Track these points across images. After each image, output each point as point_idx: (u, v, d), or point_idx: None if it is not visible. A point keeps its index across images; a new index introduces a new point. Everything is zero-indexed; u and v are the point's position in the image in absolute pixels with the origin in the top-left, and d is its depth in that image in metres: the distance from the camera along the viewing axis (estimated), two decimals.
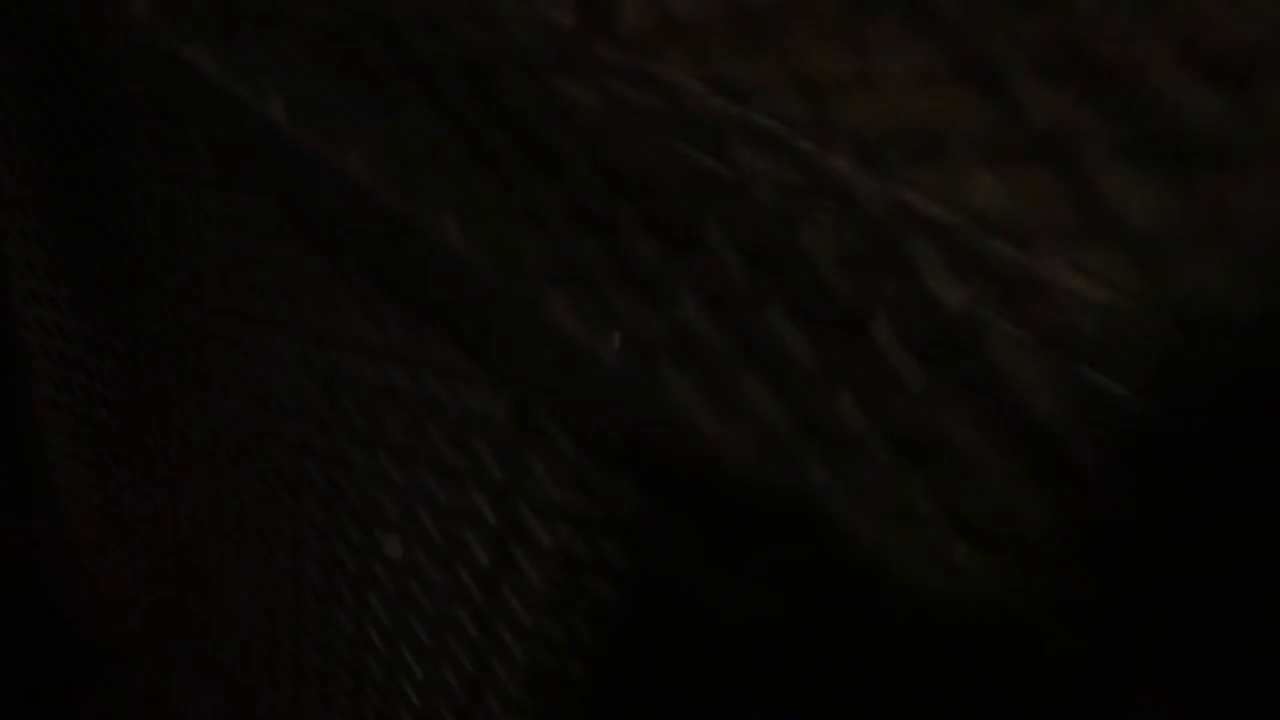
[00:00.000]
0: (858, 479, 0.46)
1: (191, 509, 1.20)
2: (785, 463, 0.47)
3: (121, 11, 0.82)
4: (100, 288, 1.15)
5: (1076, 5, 0.36)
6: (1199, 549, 0.37)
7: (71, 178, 1.10)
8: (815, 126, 0.46)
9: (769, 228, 0.47)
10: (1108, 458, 0.39)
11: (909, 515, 0.44)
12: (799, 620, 0.48)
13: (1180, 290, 0.36)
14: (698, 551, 0.54)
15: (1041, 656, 0.41)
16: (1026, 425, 0.41)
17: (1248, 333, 0.36)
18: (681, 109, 0.49)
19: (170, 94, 0.80)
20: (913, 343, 0.44)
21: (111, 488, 1.39)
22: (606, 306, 0.54)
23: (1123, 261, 0.38)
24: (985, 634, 0.42)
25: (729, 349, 0.50)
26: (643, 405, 0.52)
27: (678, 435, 0.50)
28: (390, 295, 0.67)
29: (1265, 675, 0.36)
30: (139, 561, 1.45)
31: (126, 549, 1.47)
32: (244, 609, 1.21)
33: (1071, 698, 0.40)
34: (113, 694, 1.66)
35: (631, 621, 0.63)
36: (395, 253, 0.64)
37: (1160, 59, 0.35)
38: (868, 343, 0.45)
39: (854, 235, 0.45)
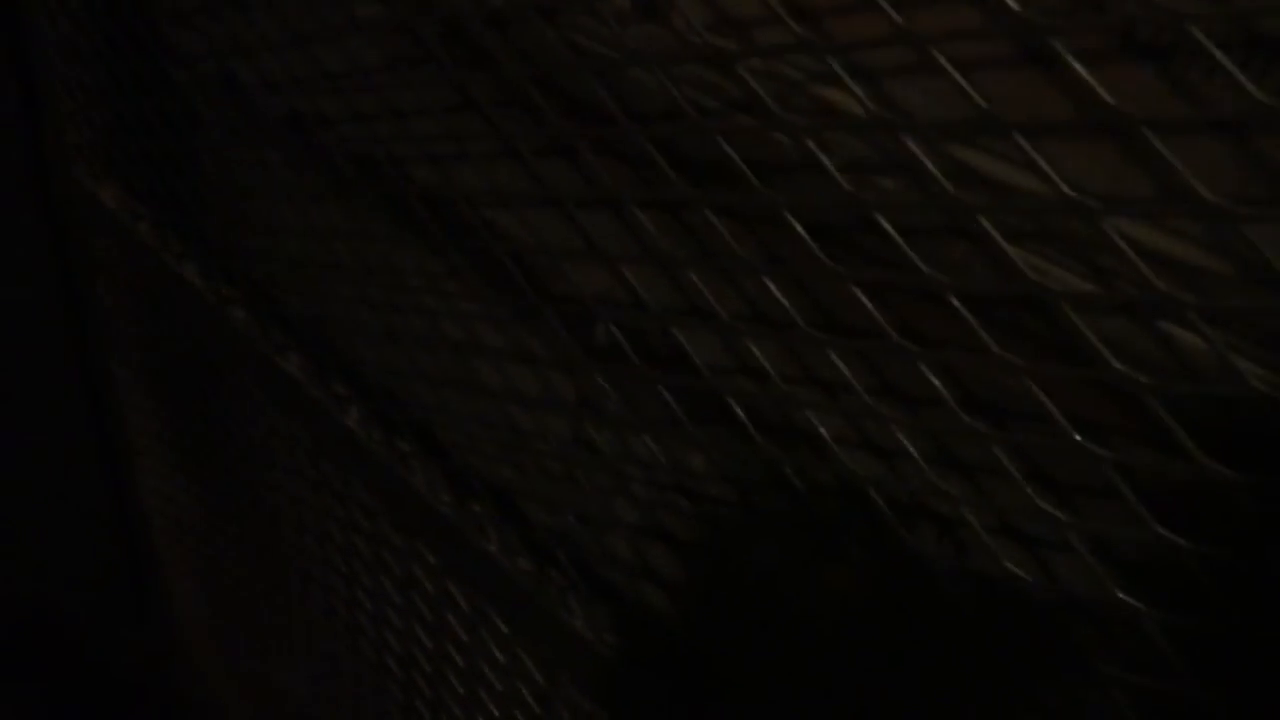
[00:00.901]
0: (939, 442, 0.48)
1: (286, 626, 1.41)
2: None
3: (222, 316, 1.03)
4: (196, 466, 1.38)
5: None
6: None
7: (178, 384, 1.32)
8: (880, 100, 0.47)
9: (840, 201, 0.47)
10: (1186, 416, 0.39)
11: (992, 472, 0.46)
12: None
13: (1256, 251, 0.36)
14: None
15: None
16: (1103, 384, 0.41)
17: None
18: (745, 88, 0.50)
19: (265, 387, 1.01)
20: (988, 307, 0.45)
21: (218, 605, 1.62)
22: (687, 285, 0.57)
23: (1196, 223, 0.38)
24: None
25: (807, 320, 0.52)
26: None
27: None
28: (450, 582, 0.86)
29: None
30: (246, 683, 1.69)
31: (235, 672, 1.71)
32: None
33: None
34: None
35: None
36: (452, 549, 0.84)
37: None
38: (943, 309, 0.45)
39: (924, 203, 0.45)
